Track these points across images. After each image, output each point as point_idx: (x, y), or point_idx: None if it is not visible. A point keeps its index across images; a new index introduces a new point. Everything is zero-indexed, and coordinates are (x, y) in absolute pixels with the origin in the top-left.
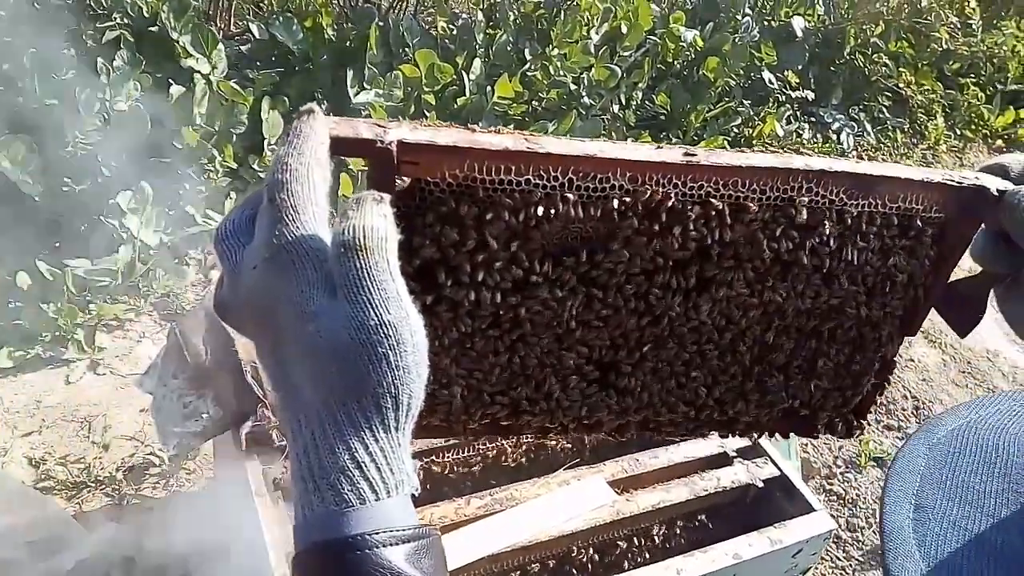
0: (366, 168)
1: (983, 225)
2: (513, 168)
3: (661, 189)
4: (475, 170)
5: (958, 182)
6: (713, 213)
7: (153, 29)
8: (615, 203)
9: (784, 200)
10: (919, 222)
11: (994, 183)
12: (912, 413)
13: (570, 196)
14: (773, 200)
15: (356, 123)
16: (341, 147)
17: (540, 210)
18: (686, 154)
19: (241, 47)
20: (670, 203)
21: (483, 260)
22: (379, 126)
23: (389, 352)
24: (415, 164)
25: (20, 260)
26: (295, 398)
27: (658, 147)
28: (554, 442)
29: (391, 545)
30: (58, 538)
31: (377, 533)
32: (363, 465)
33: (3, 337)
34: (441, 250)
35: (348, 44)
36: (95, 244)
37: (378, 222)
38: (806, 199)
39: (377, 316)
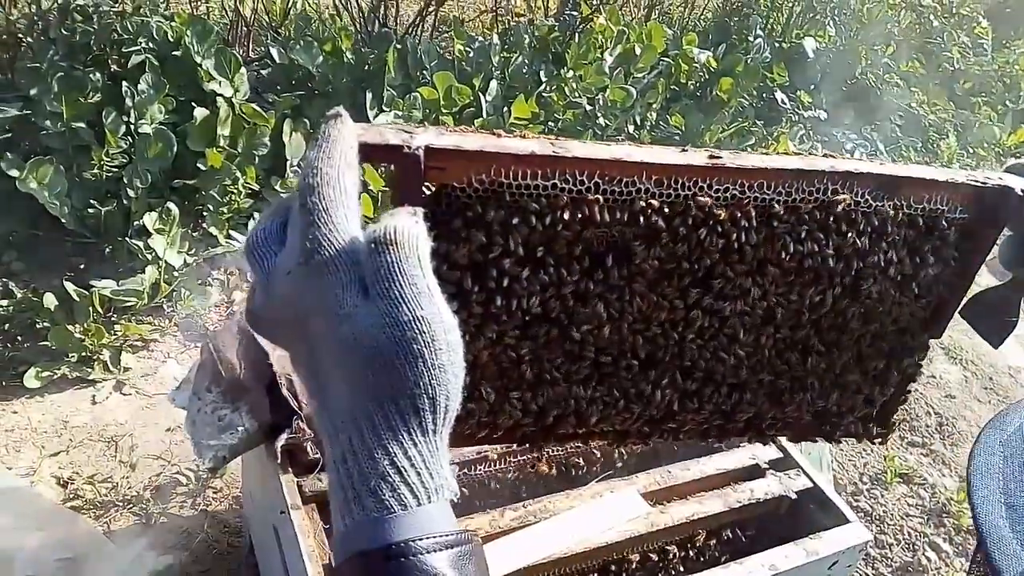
0: (393, 173)
1: (1010, 230)
2: (539, 172)
3: (687, 191)
4: (502, 174)
5: (982, 182)
6: (739, 215)
7: (177, 53)
8: (641, 206)
9: (810, 201)
10: (944, 222)
11: (1019, 183)
12: (936, 430)
13: (597, 199)
14: (799, 202)
15: (383, 129)
16: (369, 153)
17: (567, 214)
18: (711, 157)
19: (261, 71)
20: (696, 205)
21: (510, 264)
22: (406, 132)
23: (424, 349)
24: (442, 169)
25: (47, 281)
26: (332, 405)
27: (683, 150)
28: (588, 452)
29: (435, 551)
30: (89, 556)
31: (420, 539)
32: (403, 470)
33: (30, 358)
34: (468, 255)
35: (367, 67)
36: (121, 265)
37: (409, 222)
38: (832, 200)
39: (410, 311)
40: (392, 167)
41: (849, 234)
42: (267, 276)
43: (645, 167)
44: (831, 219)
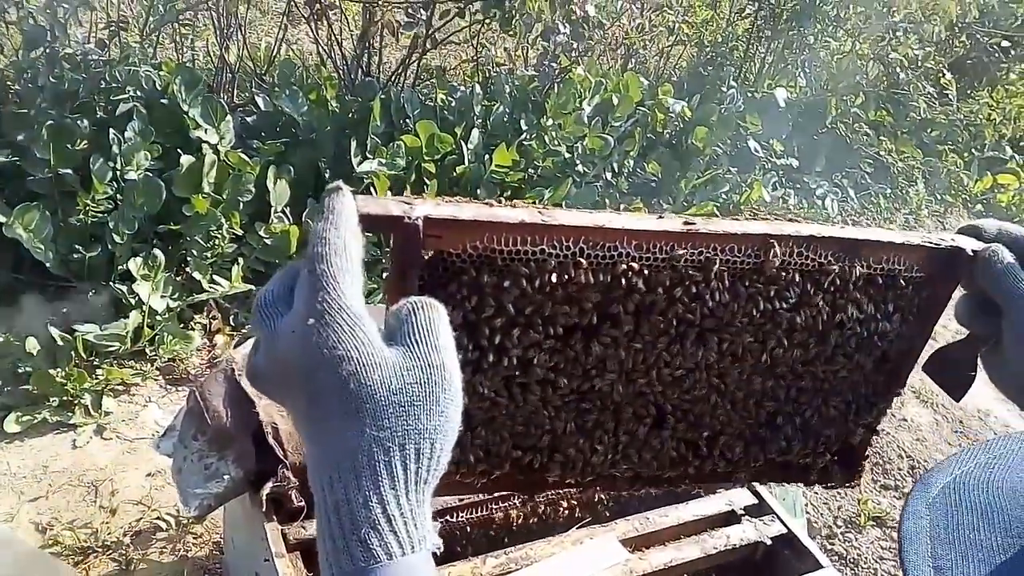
0: (394, 241)
1: (963, 289)
2: (529, 239)
3: (664, 255)
4: (494, 241)
5: (936, 244)
6: (712, 276)
7: (163, 101)
8: (623, 268)
9: (777, 263)
10: (902, 281)
11: (969, 244)
12: (908, 473)
13: (581, 263)
14: (766, 263)
15: (385, 201)
16: (372, 223)
17: (554, 277)
18: (686, 223)
19: (246, 118)
20: (672, 268)
21: (502, 325)
22: (406, 203)
23: (441, 395)
24: (439, 237)
25: (30, 325)
26: (332, 453)
27: (659, 217)
28: (567, 502)
29: None
30: None
31: None
32: (392, 518)
33: (11, 402)
34: (463, 315)
35: (351, 115)
36: (104, 310)
37: (432, 300)
38: (797, 262)
39: (440, 359)
40: (393, 235)
41: (814, 293)
42: (271, 334)
43: (626, 233)
44: (797, 279)
